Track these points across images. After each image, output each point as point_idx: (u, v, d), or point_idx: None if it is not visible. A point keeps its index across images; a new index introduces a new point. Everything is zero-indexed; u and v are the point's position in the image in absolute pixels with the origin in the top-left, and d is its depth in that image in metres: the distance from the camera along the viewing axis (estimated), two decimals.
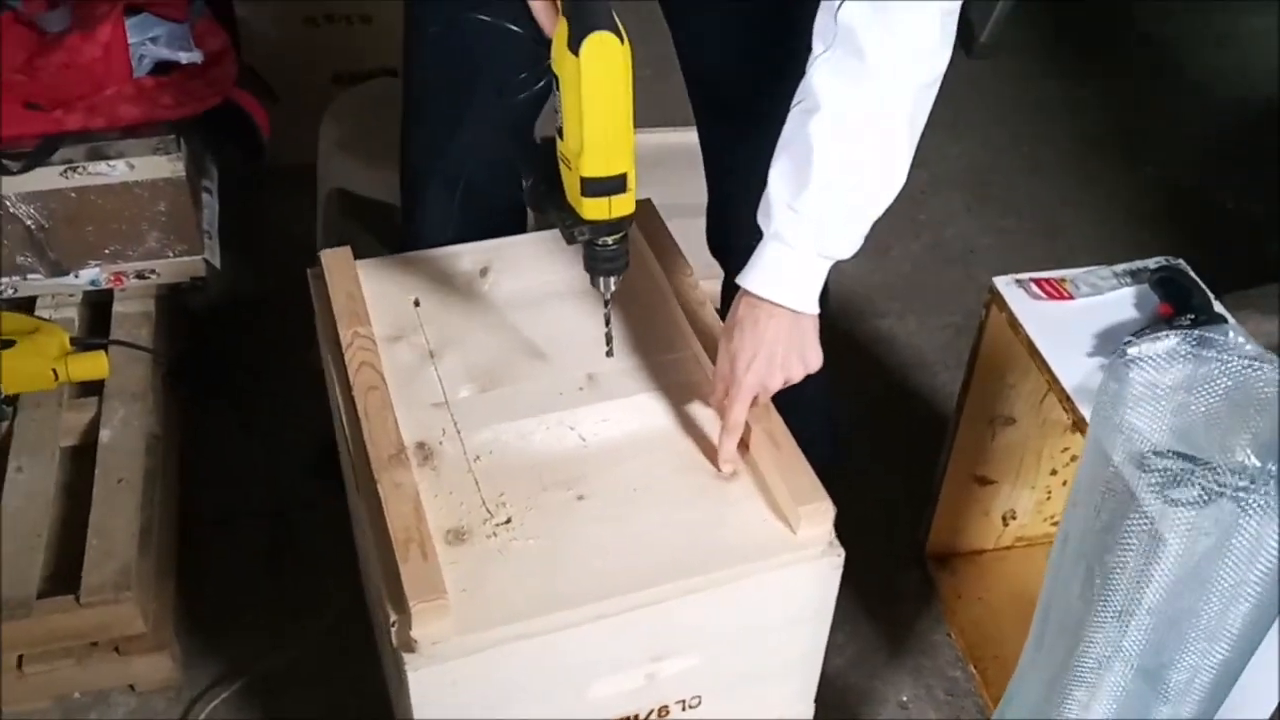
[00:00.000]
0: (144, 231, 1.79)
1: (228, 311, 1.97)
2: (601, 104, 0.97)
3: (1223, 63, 3.03)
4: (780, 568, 1.08)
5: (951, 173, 2.59)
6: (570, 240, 1.05)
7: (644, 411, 1.20)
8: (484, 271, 1.35)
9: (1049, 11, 3.13)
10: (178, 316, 1.89)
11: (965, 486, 1.64)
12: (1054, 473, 1.65)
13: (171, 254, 1.83)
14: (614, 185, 1.00)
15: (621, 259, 1.08)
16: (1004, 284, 1.44)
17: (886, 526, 1.78)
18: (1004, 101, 2.83)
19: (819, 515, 1.08)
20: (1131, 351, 1.31)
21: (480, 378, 1.23)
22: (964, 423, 1.56)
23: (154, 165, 1.74)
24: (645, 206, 1.41)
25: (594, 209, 1.01)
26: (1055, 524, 1.73)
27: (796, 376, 1.11)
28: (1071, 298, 1.42)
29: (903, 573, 1.73)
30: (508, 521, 1.09)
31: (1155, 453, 1.02)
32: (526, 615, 1.01)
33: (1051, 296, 1.41)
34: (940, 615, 1.68)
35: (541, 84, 1.33)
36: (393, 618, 1.00)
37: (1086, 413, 1.27)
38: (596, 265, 1.08)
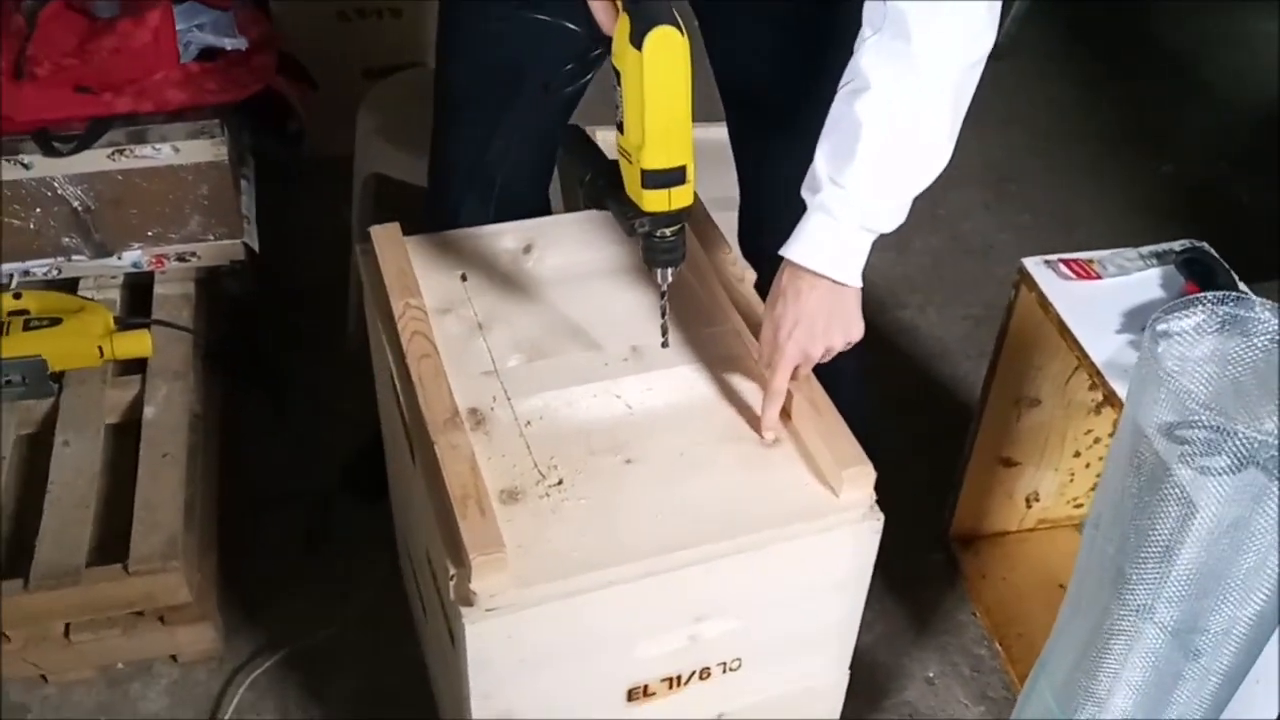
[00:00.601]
0: (186, 214, 1.83)
1: (265, 298, 2.01)
2: (664, 98, 1.00)
3: (1233, 64, 3.07)
4: (823, 531, 1.12)
5: (970, 169, 2.63)
6: (630, 232, 1.08)
7: (687, 382, 1.23)
8: (528, 249, 1.39)
9: (1064, 13, 3.17)
10: (217, 300, 1.93)
11: (990, 468, 1.68)
12: (1077, 455, 1.69)
13: (212, 237, 1.87)
14: (674, 177, 1.03)
15: (679, 250, 1.11)
16: (1033, 264, 1.48)
17: (911, 510, 1.80)
18: (1020, 101, 2.87)
19: (861, 478, 1.12)
20: (1161, 326, 1.35)
21: (528, 349, 1.26)
22: (990, 404, 1.60)
23: (198, 149, 1.78)
24: None
25: (655, 201, 1.04)
26: (1078, 506, 1.76)
27: (838, 346, 1.14)
28: (1099, 277, 1.45)
29: (928, 554, 1.76)
30: (559, 483, 1.12)
31: (1187, 423, 1.05)
32: (580, 571, 1.04)
33: (1080, 276, 1.45)
34: (965, 595, 1.71)
35: (587, 75, 1.38)
36: (452, 571, 1.04)
37: (1116, 388, 1.30)
38: (655, 256, 1.11)
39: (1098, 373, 1.32)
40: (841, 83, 1.09)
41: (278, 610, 1.63)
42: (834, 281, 1.11)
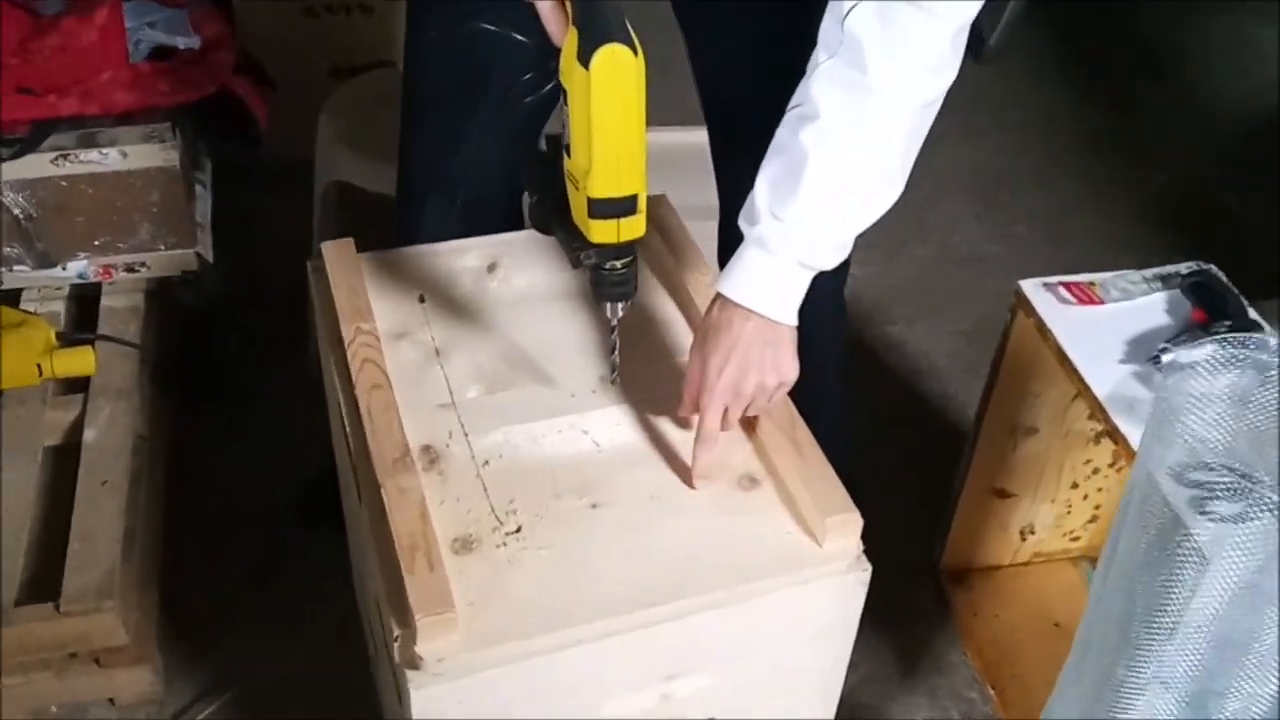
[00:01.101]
0: (135, 222, 1.73)
1: (220, 309, 1.91)
2: (612, 121, 0.91)
3: (1227, 70, 2.99)
4: (804, 583, 1.03)
5: (959, 177, 2.54)
6: (576, 264, 0.99)
7: (660, 416, 1.14)
8: (492, 268, 1.30)
9: (1056, 18, 3.09)
10: (168, 313, 1.83)
11: (983, 499, 1.59)
12: (1075, 486, 1.60)
13: (163, 246, 1.77)
14: (624, 207, 0.94)
15: (630, 284, 1.02)
16: (1031, 288, 1.39)
17: (898, 540, 1.72)
18: (1011, 107, 2.79)
19: (847, 527, 1.03)
20: (1167, 359, 1.26)
21: (488, 378, 1.17)
22: (984, 433, 1.51)
23: (147, 154, 1.69)
24: (661, 202, 1.36)
25: (602, 232, 0.95)
26: (1075, 540, 1.68)
27: (770, 385, 1.05)
28: (1101, 302, 1.37)
29: (916, 589, 1.68)
30: (518, 530, 1.03)
31: (1200, 467, 0.97)
32: (537, 631, 0.95)
33: (1081, 301, 1.36)
34: (955, 633, 1.63)
35: (550, 86, 1.29)
36: (396, 632, 0.94)
37: (1119, 422, 1.22)
38: (603, 290, 1.03)
39: (1100, 407, 1.23)
40: (790, 104, 1.01)
41: (225, 647, 1.53)
42: (768, 319, 1.02)
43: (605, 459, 1.10)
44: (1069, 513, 1.64)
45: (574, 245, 0.98)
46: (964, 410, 1.98)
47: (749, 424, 1.12)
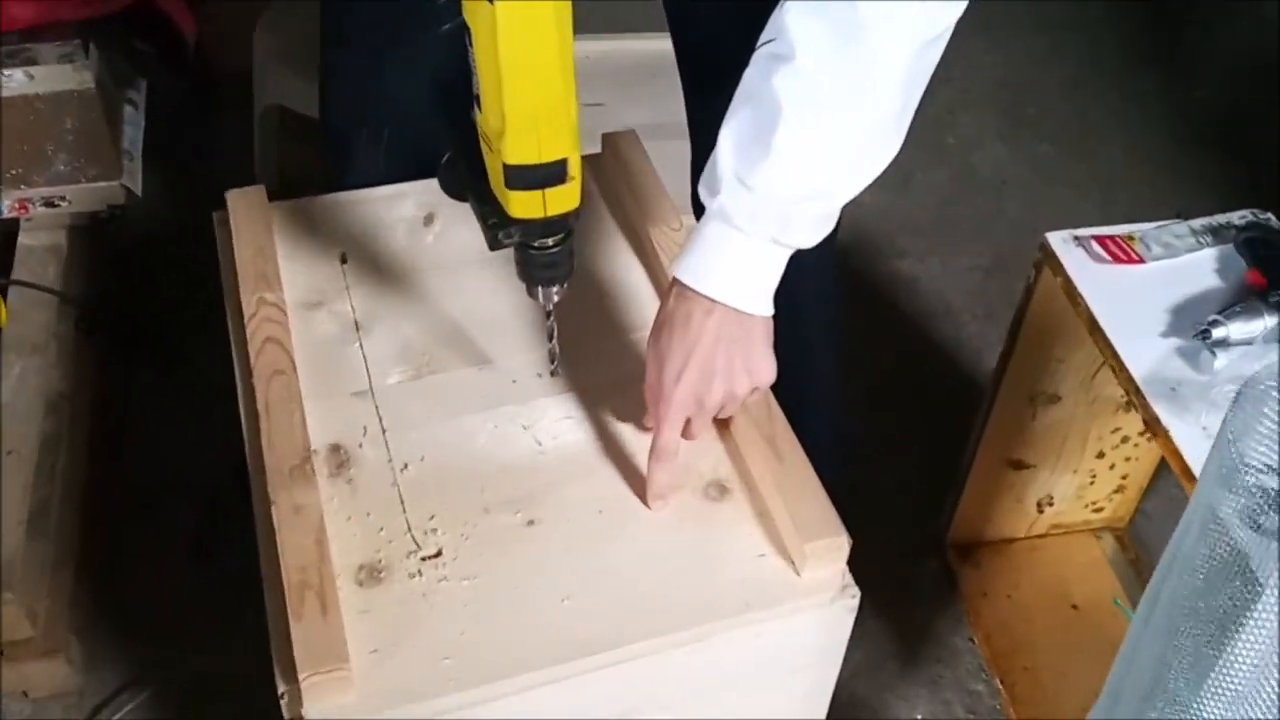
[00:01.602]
0: (50, 153, 1.55)
1: (155, 248, 1.72)
2: (528, 69, 0.71)
3: None
4: (780, 618, 0.86)
5: (984, 88, 2.31)
6: (494, 244, 0.80)
7: (618, 407, 0.96)
8: (429, 219, 1.11)
9: None
10: (95, 252, 1.64)
11: (996, 471, 1.42)
12: (1101, 455, 1.43)
13: (84, 179, 1.58)
14: (549, 175, 0.75)
15: (563, 264, 0.85)
16: (1060, 241, 1.19)
17: (901, 509, 1.57)
18: (1046, 6, 2.53)
19: (830, 553, 0.86)
20: (1218, 333, 1.07)
21: (415, 359, 0.99)
22: (1000, 401, 1.33)
23: (58, 75, 1.49)
24: (626, 140, 1.16)
25: (523, 205, 0.77)
26: (1098, 511, 1.51)
27: (740, 391, 0.87)
28: (1141, 260, 1.17)
29: (919, 564, 1.52)
30: (437, 555, 0.86)
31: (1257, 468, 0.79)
32: (454, 687, 0.79)
33: (1117, 259, 1.17)
34: (961, 616, 1.47)
35: None
36: (282, 689, 0.78)
37: (1159, 409, 1.03)
38: (532, 273, 0.85)
39: (1137, 390, 1.05)
40: (760, 38, 0.80)
41: (156, 634, 1.39)
42: (735, 311, 0.83)
43: (548, 463, 0.92)
44: (1092, 483, 1.47)
45: (491, 221, 0.79)
46: (979, 358, 1.80)
47: (719, 420, 0.94)
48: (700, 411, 0.87)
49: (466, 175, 0.79)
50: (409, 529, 0.87)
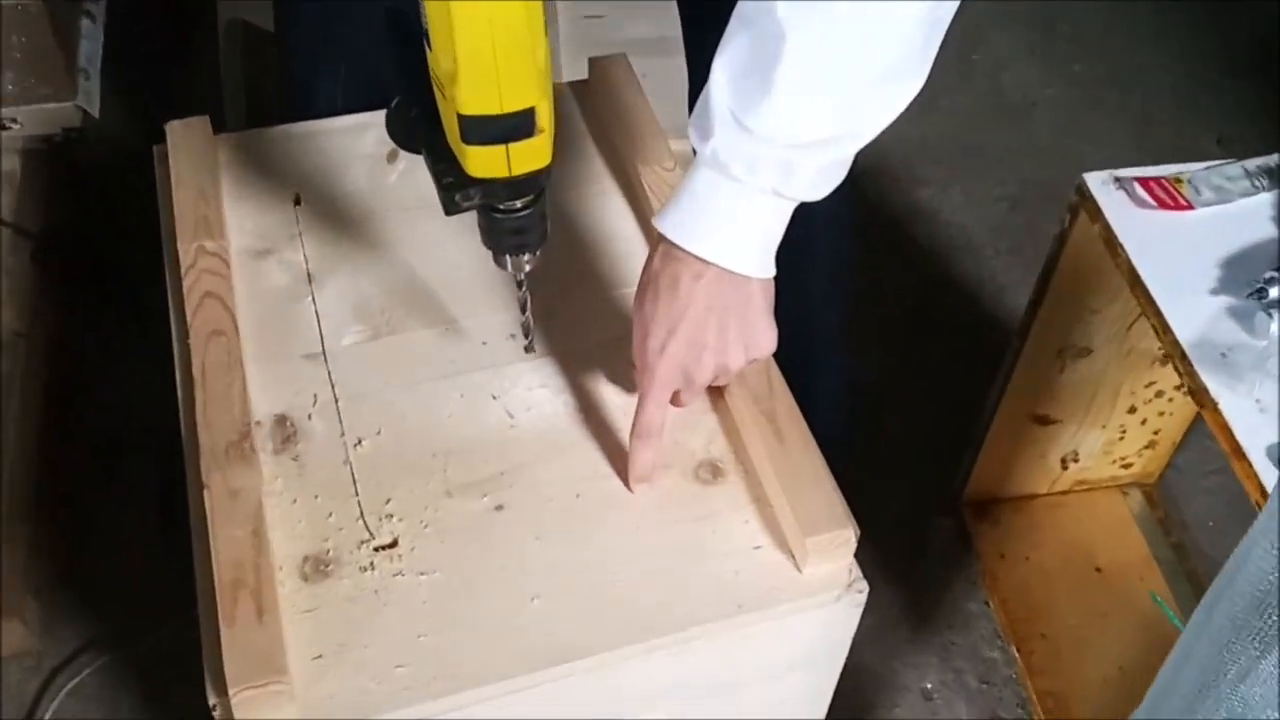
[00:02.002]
0: None
1: (118, 174, 1.60)
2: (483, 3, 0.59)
3: None
4: (777, 619, 0.77)
5: (1015, 2, 2.15)
6: (451, 207, 0.69)
7: (601, 374, 0.86)
8: (392, 156, 0.99)
9: None
10: (50, 179, 1.52)
11: (1019, 426, 1.31)
12: (1132, 410, 1.32)
13: (35, 99, 1.46)
14: (513, 127, 0.64)
15: (534, 230, 0.73)
16: (1098, 183, 1.07)
17: (913, 461, 1.47)
18: None
19: (834, 548, 0.76)
20: (1275, 292, 0.96)
21: (374, 317, 0.89)
22: (1026, 355, 1.22)
23: None
24: (616, 66, 1.04)
25: (483, 163, 0.65)
26: (1126, 466, 1.41)
27: (735, 365, 0.76)
28: (1189, 206, 1.05)
29: (931, 522, 1.42)
30: (393, 545, 0.76)
31: None
32: (411, 698, 0.70)
33: (1163, 204, 1.05)
34: (976, 578, 1.38)
35: None
36: (212, 700, 0.70)
37: (1207, 378, 0.92)
38: (498, 240, 0.74)
39: (1182, 355, 0.94)
40: None
41: (117, 595, 1.31)
42: (730, 273, 0.72)
43: (520, 438, 0.82)
44: (1122, 438, 1.36)
45: (447, 181, 0.68)
46: (1002, 296, 1.68)
47: (713, 387, 0.84)
48: (689, 386, 0.77)
49: (420, 124, 0.68)
50: (361, 515, 0.78)
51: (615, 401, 0.84)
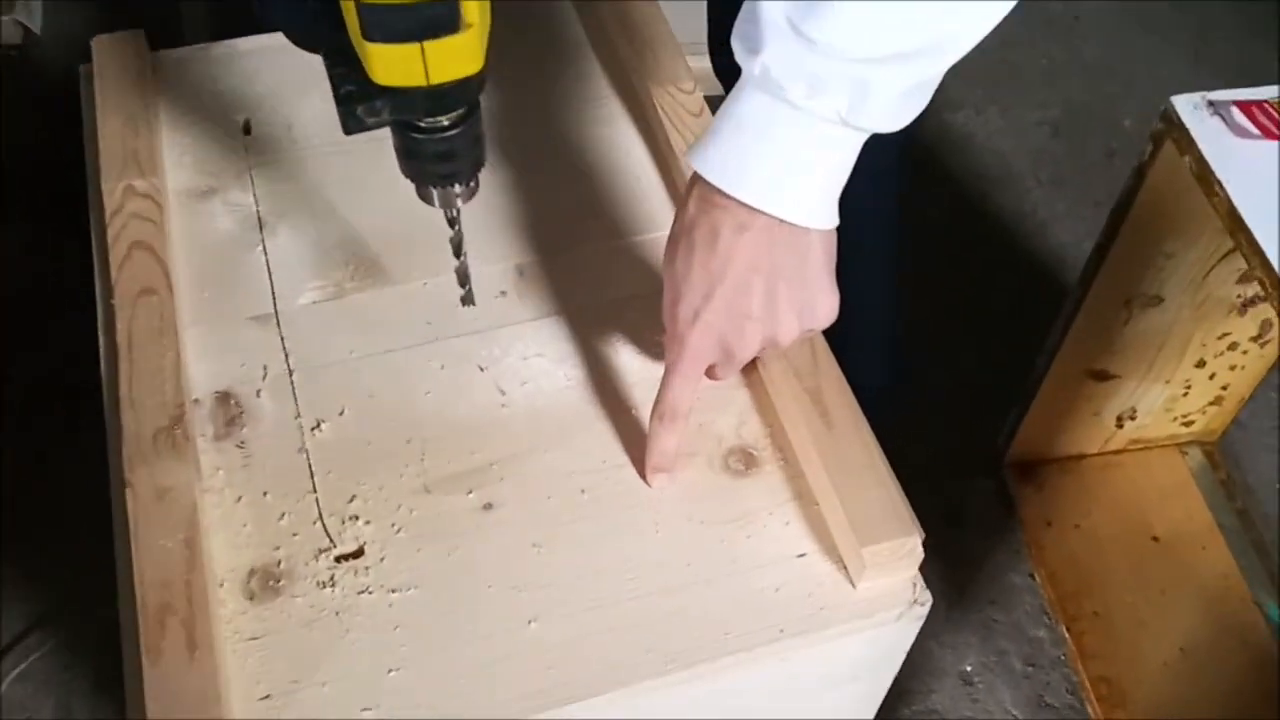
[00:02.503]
0: None
1: (68, 94, 1.44)
2: None
3: None
4: (824, 643, 0.63)
5: None
6: (351, 123, 0.54)
7: (610, 339, 0.72)
8: None
9: None
10: None
11: (1074, 382, 1.18)
12: (1200, 364, 1.18)
13: None
14: (429, 20, 0.48)
15: (465, 156, 0.58)
16: (1189, 108, 0.92)
17: (948, 418, 1.33)
18: None
19: (897, 560, 0.63)
20: None
21: (336, 270, 0.74)
22: (1088, 305, 1.08)
23: None
24: None
25: (390, 66, 0.50)
26: (1187, 424, 1.28)
27: (786, 337, 0.61)
28: None
29: (970, 485, 1.29)
30: (358, 554, 0.63)
31: None
32: None
33: (1267, 132, 0.90)
34: (1020, 548, 1.25)
35: None
36: None
37: None
38: (422, 168, 0.59)
39: None
40: None
41: (70, 571, 1.18)
42: (787, 224, 0.57)
43: (514, 420, 0.68)
44: (1186, 394, 1.23)
45: (346, 90, 0.53)
46: (1045, 233, 1.53)
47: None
48: (727, 361, 0.62)
49: (320, 17, 0.52)
50: (320, 516, 0.64)
51: (631, 374, 0.70)
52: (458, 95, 0.53)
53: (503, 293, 0.73)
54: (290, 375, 0.69)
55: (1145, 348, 1.14)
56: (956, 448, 1.30)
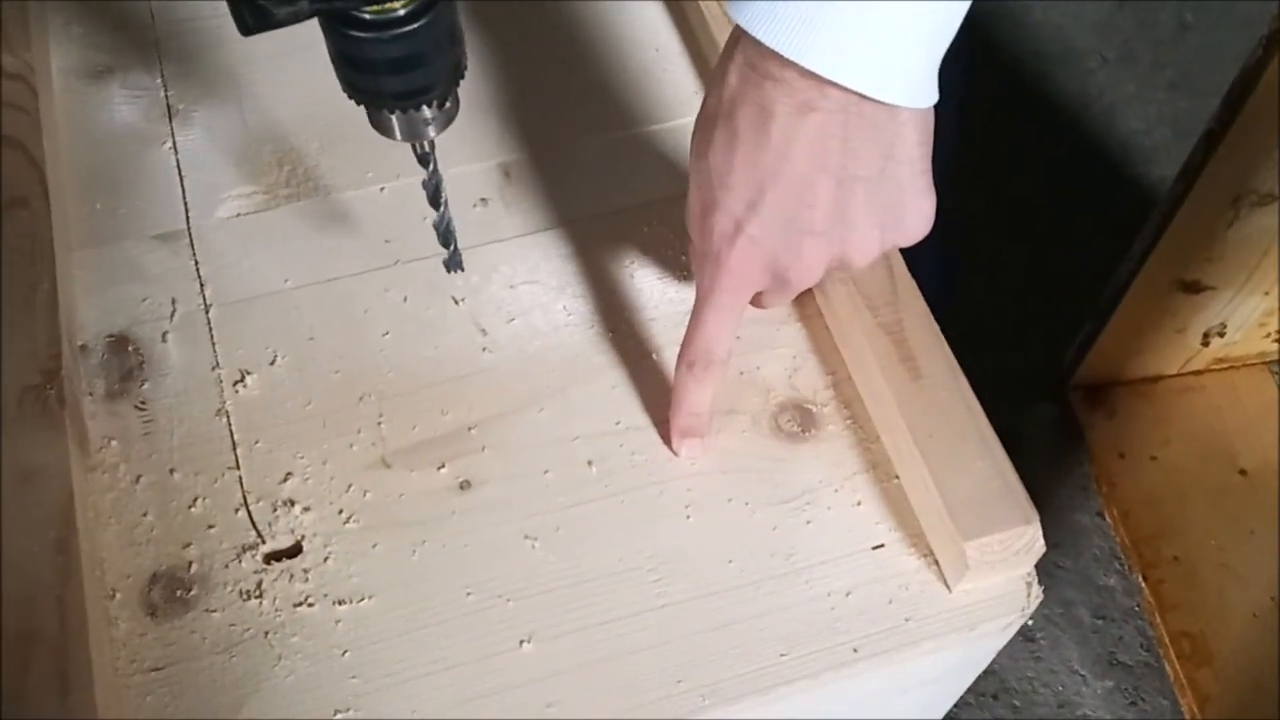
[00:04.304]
0: None
1: None
2: None
3: None
4: (911, 660, 0.48)
5: None
6: (252, 17, 0.37)
7: (622, 261, 0.55)
8: None
9: None
10: None
11: (1161, 294, 1.01)
12: None
13: None
14: None
15: (441, 58, 0.41)
16: None
17: (1004, 333, 1.17)
18: None
19: (1008, 555, 0.47)
20: None
21: (268, 171, 0.57)
22: (1188, 205, 0.91)
23: None
24: None
25: None
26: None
27: (861, 258, 0.45)
28: None
29: (1031, 411, 1.14)
30: (294, 552, 0.48)
31: None
32: None
33: None
34: (1088, 483, 1.10)
35: None
36: None
37: None
38: (371, 82, 0.41)
39: None
40: None
41: None
42: (865, 98, 0.40)
43: (499, 369, 0.52)
44: None
45: None
46: (1111, 117, 1.35)
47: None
48: (780, 289, 0.46)
49: None
50: (244, 502, 0.48)
51: (649, 306, 0.54)
52: None
53: (483, 200, 0.57)
54: (207, 312, 0.53)
55: (1248, 254, 0.97)
56: (1014, 367, 1.14)
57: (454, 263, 0.50)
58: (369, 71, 0.40)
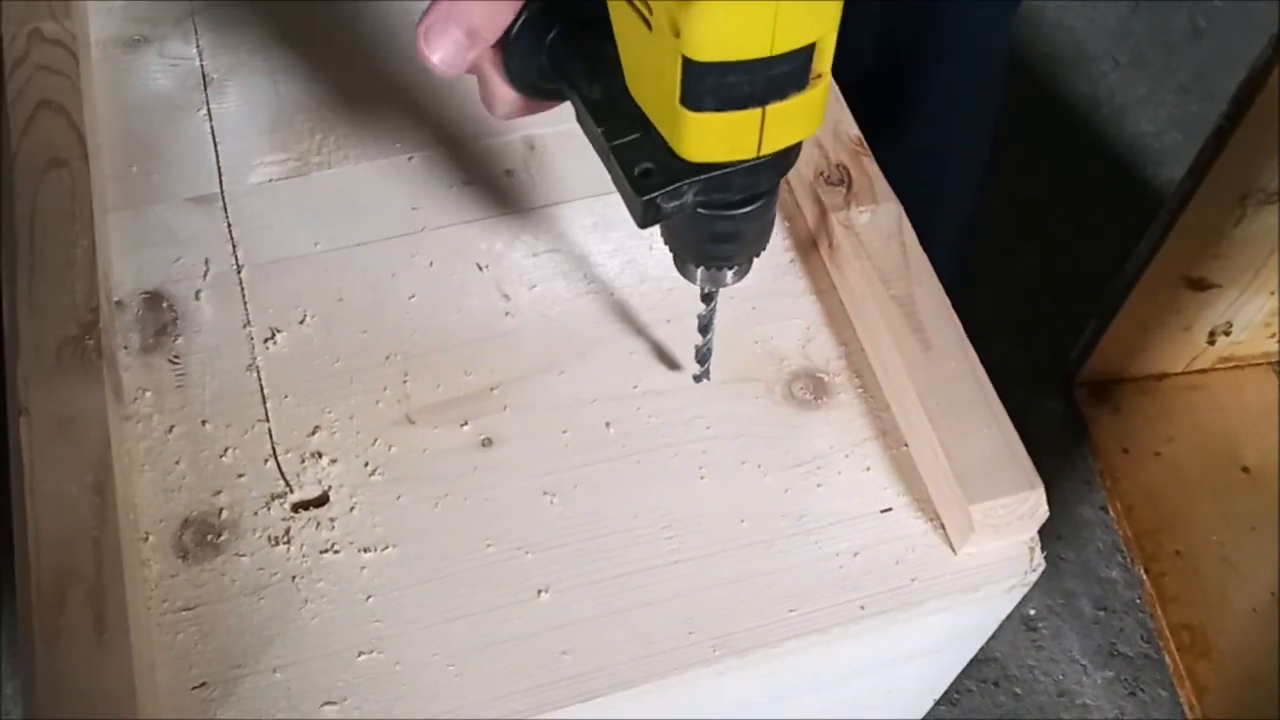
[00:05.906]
0: None
1: None
2: None
3: None
4: (916, 619, 0.50)
5: None
6: (650, 216, 0.41)
7: (639, 232, 0.57)
8: None
9: None
10: None
11: (1168, 291, 1.03)
12: None
13: None
14: (781, 77, 0.36)
15: (757, 238, 0.45)
16: None
17: (1012, 328, 1.18)
18: None
19: (1013, 520, 0.49)
20: None
21: (300, 140, 0.59)
22: (1197, 201, 0.92)
23: None
24: None
25: (715, 138, 0.37)
26: None
27: None
28: None
29: (1037, 406, 1.15)
30: (322, 501, 0.49)
31: None
32: None
33: None
34: (1092, 478, 1.12)
35: None
36: None
37: None
38: (698, 248, 0.45)
39: None
40: None
41: None
42: None
43: (521, 332, 0.54)
44: None
45: (642, 169, 0.40)
46: (1123, 119, 1.36)
47: (812, 256, 0.56)
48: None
49: (569, 55, 0.41)
50: (274, 453, 0.50)
51: (669, 276, 0.55)
52: (778, 167, 0.40)
53: (508, 172, 0.58)
54: (239, 272, 0.55)
55: (1255, 252, 0.99)
56: (1021, 363, 1.16)
57: (704, 376, 0.52)
58: (696, 239, 0.44)
